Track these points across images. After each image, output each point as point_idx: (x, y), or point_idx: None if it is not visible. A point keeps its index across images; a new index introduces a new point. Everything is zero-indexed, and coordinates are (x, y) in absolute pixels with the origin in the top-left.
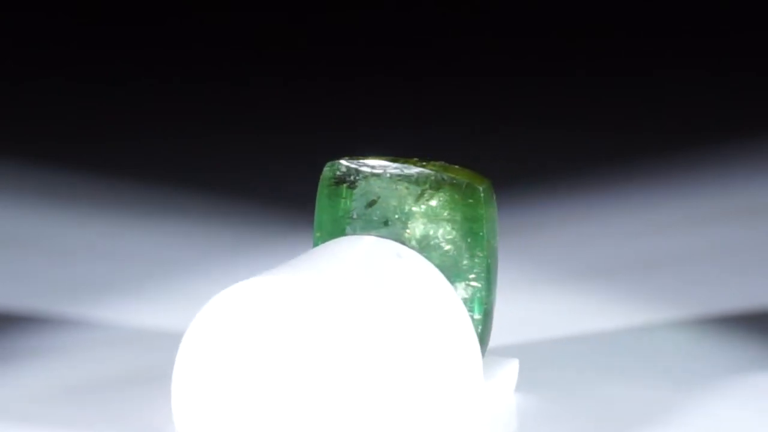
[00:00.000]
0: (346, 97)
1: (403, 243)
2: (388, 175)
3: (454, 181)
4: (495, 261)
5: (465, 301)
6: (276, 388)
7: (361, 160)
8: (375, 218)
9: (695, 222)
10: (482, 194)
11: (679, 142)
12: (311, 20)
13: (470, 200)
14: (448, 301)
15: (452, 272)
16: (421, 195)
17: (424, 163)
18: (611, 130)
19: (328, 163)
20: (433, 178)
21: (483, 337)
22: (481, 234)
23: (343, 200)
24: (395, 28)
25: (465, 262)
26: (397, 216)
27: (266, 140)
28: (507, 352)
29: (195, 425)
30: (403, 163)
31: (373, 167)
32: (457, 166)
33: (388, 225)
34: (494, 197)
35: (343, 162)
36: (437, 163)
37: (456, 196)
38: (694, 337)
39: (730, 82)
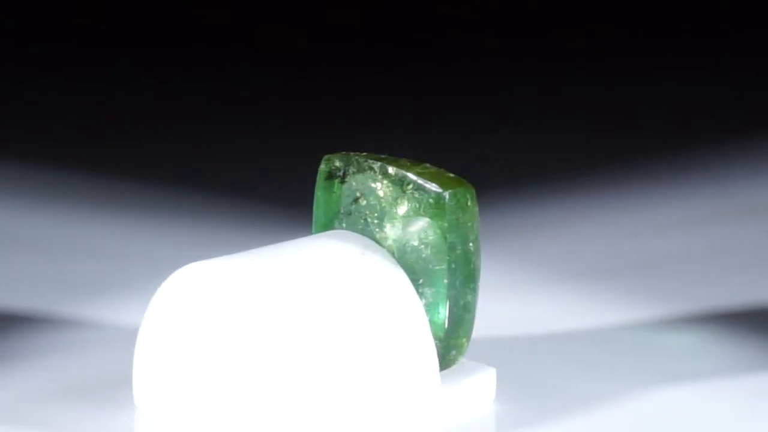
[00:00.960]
0: (346, 97)
1: (378, 242)
2: (371, 173)
3: (425, 186)
4: (468, 267)
5: (432, 305)
6: (216, 372)
7: (354, 156)
8: (358, 215)
9: (695, 222)
10: (448, 200)
11: (679, 142)
12: (311, 20)
13: (437, 205)
14: (402, 303)
15: (424, 275)
16: (398, 197)
17: (408, 164)
18: (611, 130)
19: (324, 157)
20: (410, 180)
21: (450, 343)
22: (445, 238)
23: (334, 195)
24: (395, 28)
25: (435, 266)
26: (376, 214)
27: (266, 140)
28: (504, 351)
29: (154, 401)
30: (390, 163)
31: (360, 164)
32: (442, 170)
33: (367, 223)
34: (470, 203)
35: (337, 157)
36: (424, 165)
37: (426, 201)
38: (694, 337)
39: (730, 82)
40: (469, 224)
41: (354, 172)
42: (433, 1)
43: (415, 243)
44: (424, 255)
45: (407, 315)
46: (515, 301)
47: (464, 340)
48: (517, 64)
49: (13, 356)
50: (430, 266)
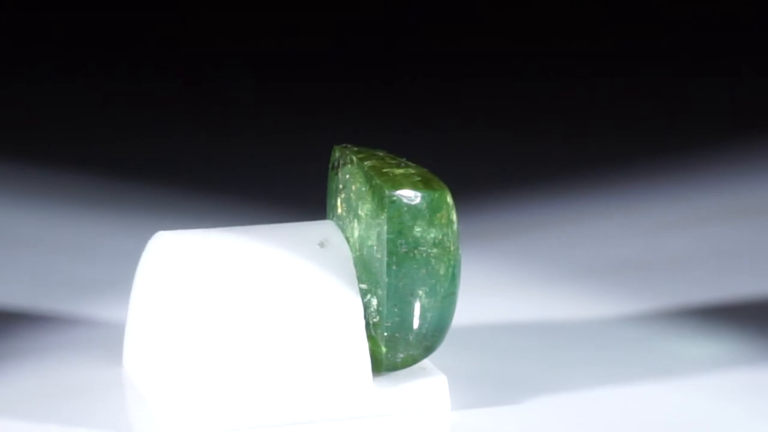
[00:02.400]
0: (346, 97)
1: (347, 238)
2: (351, 168)
3: (381, 185)
4: (419, 271)
5: (381, 305)
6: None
7: (346, 149)
8: (340, 208)
9: (695, 222)
10: (390, 200)
11: (679, 142)
12: (311, 20)
13: (382, 204)
14: (337, 300)
15: (376, 275)
16: (365, 194)
17: (385, 162)
18: (611, 130)
19: (333, 148)
20: (374, 178)
21: (397, 346)
22: (387, 238)
23: (333, 186)
24: (395, 29)
25: (384, 267)
26: (349, 210)
27: (266, 140)
28: (500, 351)
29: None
30: (367, 159)
31: (345, 157)
32: (419, 171)
33: (343, 218)
34: (425, 208)
35: (338, 148)
36: (403, 164)
37: (379, 200)
38: (693, 336)
39: (730, 82)
40: (422, 228)
41: (342, 165)
42: (433, 1)
43: (372, 242)
44: (378, 255)
45: (340, 312)
46: (514, 301)
47: (416, 343)
48: (517, 64)
49: (13, 356)
50: (381, 266)
